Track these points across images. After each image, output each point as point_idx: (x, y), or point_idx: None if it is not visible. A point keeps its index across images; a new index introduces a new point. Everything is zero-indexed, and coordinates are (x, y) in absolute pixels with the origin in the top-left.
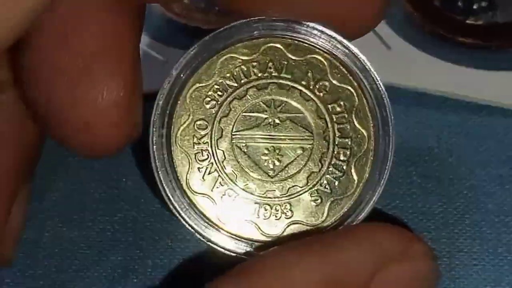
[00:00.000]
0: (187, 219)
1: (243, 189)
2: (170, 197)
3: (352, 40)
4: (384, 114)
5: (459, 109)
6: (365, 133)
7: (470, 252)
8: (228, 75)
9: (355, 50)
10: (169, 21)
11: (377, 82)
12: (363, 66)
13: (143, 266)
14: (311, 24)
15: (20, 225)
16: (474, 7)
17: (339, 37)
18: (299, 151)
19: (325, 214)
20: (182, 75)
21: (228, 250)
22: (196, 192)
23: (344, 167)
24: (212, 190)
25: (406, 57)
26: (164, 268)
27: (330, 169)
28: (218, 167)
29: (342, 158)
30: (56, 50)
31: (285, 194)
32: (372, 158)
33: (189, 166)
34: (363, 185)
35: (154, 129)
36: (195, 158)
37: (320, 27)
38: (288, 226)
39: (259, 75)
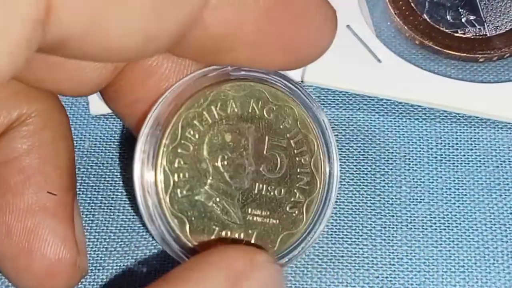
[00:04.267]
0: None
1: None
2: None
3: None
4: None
5: (448, 120)
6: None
7: (457, 259)
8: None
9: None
10: None
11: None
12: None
13: (137, 274)
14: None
15: (83, 235)
16: (463, 20)
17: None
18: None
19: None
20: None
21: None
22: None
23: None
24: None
25: (396, 69)
26: (159, 276)
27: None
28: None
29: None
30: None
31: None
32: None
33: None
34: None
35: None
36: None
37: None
38: None
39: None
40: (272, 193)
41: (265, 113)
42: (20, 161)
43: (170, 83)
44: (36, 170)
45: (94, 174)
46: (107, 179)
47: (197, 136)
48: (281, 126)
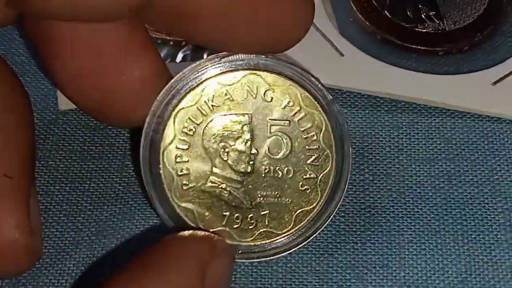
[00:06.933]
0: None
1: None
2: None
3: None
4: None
5: (409, 111)
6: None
7: (419, 243)
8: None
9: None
10: None
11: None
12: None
13: (105, 263)
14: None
15: (39, 220)
16: (423, 16)
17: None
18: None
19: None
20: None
21: None
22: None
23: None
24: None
25: (359, 63)
26: None
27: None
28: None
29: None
30: None
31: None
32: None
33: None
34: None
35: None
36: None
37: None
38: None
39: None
40: (280, 174)
41: (263, 97)
42: None
43: None
44: None
45: (62, 167)
46: (75, 171)
47: (193, 131)
48: (282, 107)
